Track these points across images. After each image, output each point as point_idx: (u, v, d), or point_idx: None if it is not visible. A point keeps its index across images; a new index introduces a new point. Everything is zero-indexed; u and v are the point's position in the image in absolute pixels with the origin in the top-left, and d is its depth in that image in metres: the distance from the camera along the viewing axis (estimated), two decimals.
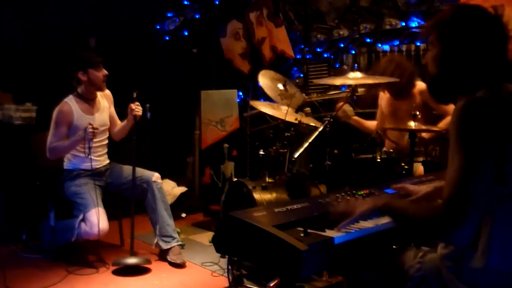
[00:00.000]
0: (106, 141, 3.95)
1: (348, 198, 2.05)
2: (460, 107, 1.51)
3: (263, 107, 3.89)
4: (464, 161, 1.46)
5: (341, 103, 3.50)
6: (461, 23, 1.59)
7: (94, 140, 3.70)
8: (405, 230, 1.72)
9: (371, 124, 3.97)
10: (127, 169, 3.83)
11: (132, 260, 3.57)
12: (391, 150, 3.58)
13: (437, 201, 1.55)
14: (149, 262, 3.64)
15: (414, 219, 1.58)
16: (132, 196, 3.69)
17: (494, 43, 1.58)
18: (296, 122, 3.62)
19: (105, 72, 3.74)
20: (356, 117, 3.97)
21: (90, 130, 3.54)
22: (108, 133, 3.95)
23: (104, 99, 3.94)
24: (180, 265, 3.70)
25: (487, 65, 1.58)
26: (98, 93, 3.87)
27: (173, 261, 3.72)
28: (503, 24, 1.59)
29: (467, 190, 1.44)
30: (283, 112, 3.69)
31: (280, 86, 3.84)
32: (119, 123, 4.00)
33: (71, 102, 3.74)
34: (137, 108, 3.73)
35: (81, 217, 3.56)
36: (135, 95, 3.73)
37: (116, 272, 3.54)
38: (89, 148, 3.63)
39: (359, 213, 1.71)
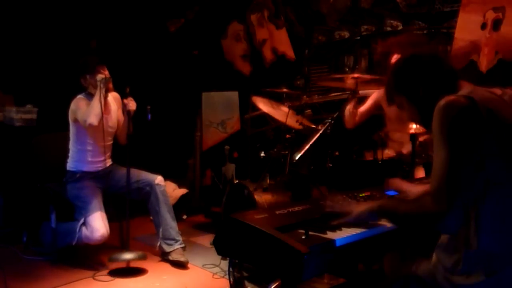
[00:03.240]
0: (112, 144, 3.95)
1: (349, 200, 2.05)
2: (442, 104, 1.61)
3: (264, 105, 3.87)
4: (448, 155, 1.56)
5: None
6: (400, 70, 1.83)
7: (102, 143, 3.75)
8: (401, 226, 1.81)
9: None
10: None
11: (127, 256, 3.57)
12: (394, 154, 3.57)
13: (425, 196, 1.63)
14: (145, 257, 3.65)
15: (406, 215, 1.67)
16: (131, 197, 3.68)
17: (433, 64, 1.78)
18: (298, 124, 3.62)
19: (103, 75, 3.71)
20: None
21: (103, 76, 3.63)
22: (114, 136, 3.95)
23: (114, 102, 3.95)
24: (184, 263, 3.70)
25: (446, 83, 1.75)
26: (109, 96, 3.88)
27: (176, 259, 3.72)
28: (436, 52, 1.86)
29: (452, 182, 1.54)
30: (284, 113, 3.68)
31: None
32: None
33: (84, 99, 3.77)
34: (130, 103, 3.72)
35: (82, 221, 3.56)
36: (128, 90, 3.72)
37: (117, 274, 3.54)
38: (102, 146, 3.69)
39: (356, 214, 1.79)
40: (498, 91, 1.74)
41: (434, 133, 1.62)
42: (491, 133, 1.57)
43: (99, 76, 3.66)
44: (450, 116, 1.58)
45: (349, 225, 1.81)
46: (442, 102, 1.61)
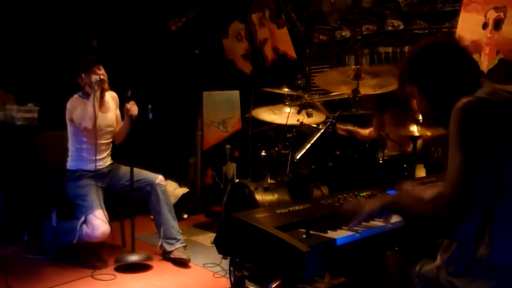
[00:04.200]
0: (111, 143, 3.95)
1: (351, 199, 2.05)
2: (460, 107, 1.55)
3: (265, 114, 3.88)
4: (464, 160, 1.49)
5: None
6: (418, 58, 1.76)
7: (99, 142, 3.75)
8: (412, 226, 1.75)
9: (367, 131, 3.91)
10: (129, 170, 3.82)
11: (134, 257, 3.60)
12: (394, 153, 3.57)
13: (440, 199, 1.55)
14: (150, 258, 3.68)
15: (419, 217, 1.61)
16: (133, 197, 3.69)
17: (454, 58, 1.71)
18: (298, 123, 3.62)
19: (99, 74, 3.69)
20: (351, 128, 3.90)
21: (98, 78, 3.61)
22: (112, 134, 3.95)
23: (112, 101, 3.95)
24: (186, 261, 3.72)
25: (463, 77, 1.70)
26: (107, 94, 3.88)
27: (178, 256, 3.72)
28: (453, 41, 1.78)
29: (468, 188, 1.48)
30: (285, 115, 3.69)
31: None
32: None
33: (79, 98, 3.77)
34: (132, 108, 3.72)
35: (82, 219, 3.56)
36: (129, 93, 3.72)
37: (117, 273, 3.54)
38: (99, 144, 3.71)
39: (368, 210, 1.73)
40: None
41: (451, 136, 1.56)
42: (509, 139, 1.52)
43: (94, 78, 3.65)
44: (468, 120, 1.52)
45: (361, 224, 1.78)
46: (460, 103, 1.55)
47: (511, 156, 1.51)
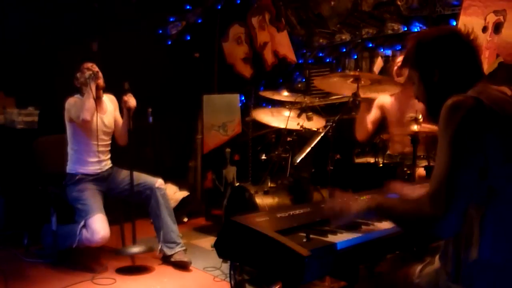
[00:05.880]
0: (109, 145, 3.95)
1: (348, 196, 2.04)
2: (448, 106, 1.56)
3: (264, 115, 3.89)
4: (450, 157, 1.50)
5: None
6: (427, 46, 1.73)
7: (99, 143, 3.76)
8: (399, 227, 1.73)
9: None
10: (129, 174, 3.82)
11: (135, 249, 3.66)
12: (396, 154, 3.56)
13: (423, 197, 1.56)
14: (152, 249, 3.74)
15: (403, 215, 1.63)
16: (132, 200, 3.69)
17: (463, 56, 1.70)
18: (299, 127, 3.62)
19: (91, 71, 3.71)
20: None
21: (90, 72, 3.65)
22: (111, 136, 3.96)
23: (110, 103, 3.96)
24: (187, 264, 3.72)
25: (465, 76, 1.69)
26: (104, 96, 3.89)
27: (179, 259, 3.72)
28: (468, 38, 1.72)
29: (452, 186, 1.48)
30: (284, 118, 3.69)
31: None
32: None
33: (77, 98, 3.79)
34: (130, 100, 3.71)
35: (82, 223, 3.56)
36: (126, 86, 3.71)
37: (117, 277, 3.54)
38: (97, 146, 3.74)
39: (355, 212, 1.74)
40: (508, 91, 1.67)
41: (439, 131, 1.56)
42: (496, 139, 1.51)
43: (87, 73, 3.69)
44: (456, 118, 1.52)
45: (348, 226, 1.79)
46: (449, 101, 1.55)
47: (495, 156, 1.51)
